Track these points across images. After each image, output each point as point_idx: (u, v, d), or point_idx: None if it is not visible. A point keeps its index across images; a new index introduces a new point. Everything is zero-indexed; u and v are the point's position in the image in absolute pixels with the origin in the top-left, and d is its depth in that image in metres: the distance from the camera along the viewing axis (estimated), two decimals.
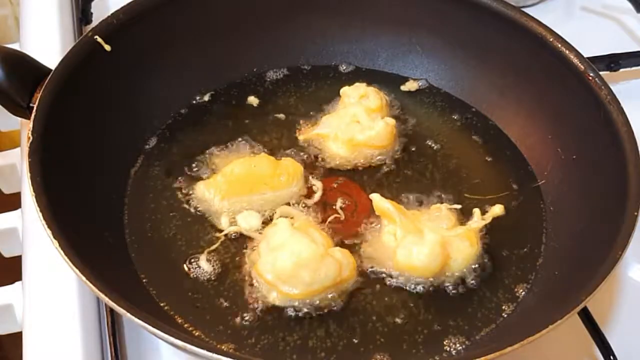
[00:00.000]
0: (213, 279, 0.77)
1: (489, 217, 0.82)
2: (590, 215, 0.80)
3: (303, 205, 0.83)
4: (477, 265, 0.79)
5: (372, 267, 0.79)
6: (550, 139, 0.89)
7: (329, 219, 0.82)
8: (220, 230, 0.81)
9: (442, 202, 0.84)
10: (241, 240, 0.80)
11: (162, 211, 0.83)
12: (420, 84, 0.98)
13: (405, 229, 0.78)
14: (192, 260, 0.79)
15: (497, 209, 0.83)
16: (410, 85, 0.97)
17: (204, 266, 0.78)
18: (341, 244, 0.79)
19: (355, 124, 0.89)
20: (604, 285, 0.67)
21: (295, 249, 0.74)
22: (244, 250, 0.80)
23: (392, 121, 0.90)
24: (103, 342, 0.77)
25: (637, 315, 0.84)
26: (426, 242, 0.76)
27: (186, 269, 0.78)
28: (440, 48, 0.97)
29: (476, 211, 0.83)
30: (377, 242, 0.80)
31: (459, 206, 0.83)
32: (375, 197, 0.80)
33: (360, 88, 0.91)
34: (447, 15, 0.95)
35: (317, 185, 0.85)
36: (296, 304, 0.75)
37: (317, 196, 0.84)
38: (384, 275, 0.78)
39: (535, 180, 0.88)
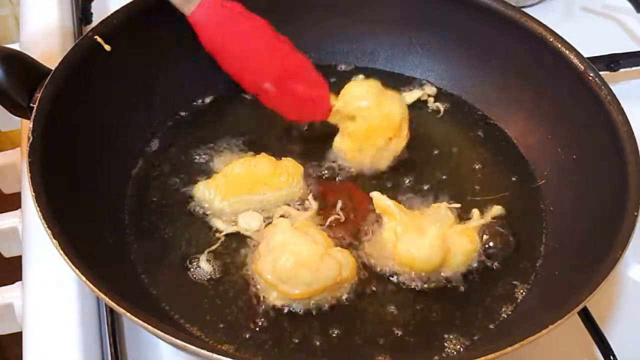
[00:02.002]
0: (213, 279, 0.77)
1: (487, 217, 0.82)
2: (590, 215, 0.80)
3: (304, 205, 0.83)
4: (477, 265, 0.79)
5: (372, 267, 0.79)
6: (550, 139, 0.89)
7: (329, 220, 0.82)
8: (221, 231, 0.81)
9: (441, 202, 0.84)
10: (241, 240, 0.80)
11: (162, 211, 0.83)
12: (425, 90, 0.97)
13: (406, 225, 0.78)
14: (193, 260, 0.79)
15: (496, 210, 0.83)
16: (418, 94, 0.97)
17: (204, 266, 0.78)
18: (341, 244, 0.79)
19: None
20: (604, 285, 0.67)
21: (295, 249, 0.73)
22: (244, 250, 0.80)
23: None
24: (103, 342, 0.77)
25: (637, 315, 0.84)
26: (427, 235, 0.77)
27: (186, 269, 0.78)
28: (440, 48, 0.97)
29: (475, 211, 0.83)
30: (377, 241, 0.80)
31: (458, 205, 0.83)
32: (376, 195, 0.81)
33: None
34: (447, 15, 0.95)
35: (313, 205, 0.83)
36: (296, 303, 0.75)
37: (309, 213, 0.83)
38: (384, 275, 0.78)
39: (535, 180, 0.88)
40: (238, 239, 0.80)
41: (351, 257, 0.77)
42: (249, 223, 0.81)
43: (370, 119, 0.85)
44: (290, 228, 0.76)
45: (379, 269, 0.78)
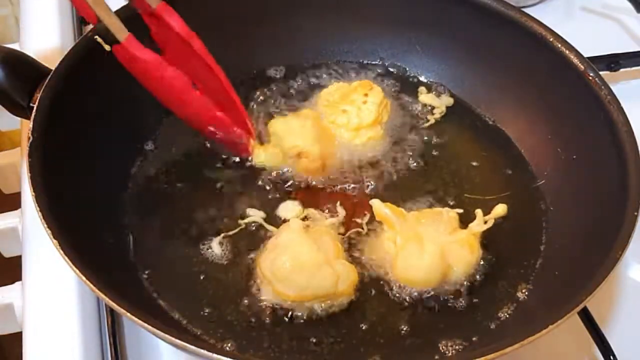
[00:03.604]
0: (214, 276, 0.77)
1: (490, 220, 0.81)
2: (590, 215, 0.80)
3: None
4: (477, 266, 0.79)
5: (371, 271, 0.78)
6: (550, 139, 0.89)
7: (347, 230, 0.81)
8: (236, 220, 0.81)
9: (442, 202, 0.85)
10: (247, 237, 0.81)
11: (162, 211, 0.83)
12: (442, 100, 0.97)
13: (405, 236, 0.77)
14: (193, 259, 0.79)
15: (500, 210, 0.82)
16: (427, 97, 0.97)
17: (214, 252, 0.78)
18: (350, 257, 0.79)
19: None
20: (604, 285, 0.67)
21: (296, 251, 0.73)
22: (245, 249, 0.80)
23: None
24: (103, 342, 0.77)
25: (637, 315, 0.84)
26: (425, 254, 0.75)
27: (186, 268, 0.78)
28: (440, 48, 0.97)
29: (478, 212, 0.82)
30: (377, 246, 0.80)
31: (460, 210, 0.82)
32: (375, 203, 0.80)
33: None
34: (447, 15, 0.95)
35: (341, 213, 0.83)
36: (290, 304, 0.74)
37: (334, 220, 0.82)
38: (383, 278, 0.78)
39: (535, 180, 0.88)
40: (240, 238, 0.81)
41: (354, 273, 0.76)
42: (286, 212, 0.82)
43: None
44: (300, 229, 0.75)
45: (378, 274, 0.78)
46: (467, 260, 0.77)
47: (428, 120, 0.94)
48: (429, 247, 0.76)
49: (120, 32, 0.75)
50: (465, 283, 0.78)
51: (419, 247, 0.76)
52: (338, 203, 0.83)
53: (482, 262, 0.79)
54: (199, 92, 0.81)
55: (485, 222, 0.81)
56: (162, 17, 0.77)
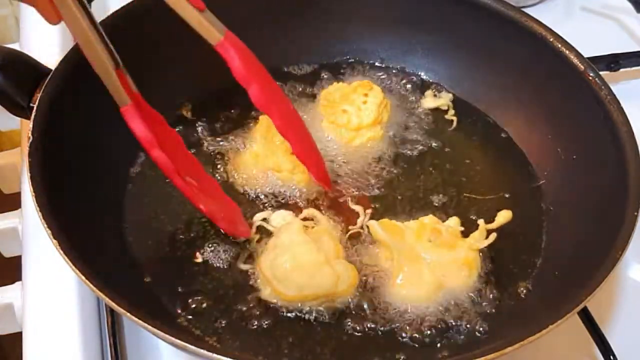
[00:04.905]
0: (214, 276, 0.77)
1: (493, 235, 0.79)
2: (590, 215, 0.80)
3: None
4: (476, 280, 0.78)
5: (370, 280, 0.78)
6: (550, 139, 0.89)
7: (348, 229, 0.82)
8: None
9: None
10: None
11: (161, 211, 0.83)
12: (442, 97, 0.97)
13: (404, 256, 0.77)
14: (193, 257, 0.79)
15: (503, 217, 0.81)
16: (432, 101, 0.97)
17: (214, 251, 0.79)
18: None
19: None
20: (604, 285, 0.67)
21: (296, 251, 0.73)
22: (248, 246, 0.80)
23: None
24: (103, 342, 0.77)
25: (637, 315, 0.84)
26: (423, 285, 0.75)
27: (186, 267, 0.78)
28: (440, 48, 0.97)
29: (481, 224, 0.80)
30: (376, 255, 0.79)
31: (461, 228, 0.81)
32: (373, 225, 0.79)
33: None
34: (447, 16, 0.95)
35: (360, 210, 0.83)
36: (287, 304, 0.75)
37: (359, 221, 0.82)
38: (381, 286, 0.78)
39: (535, 180, 0.88)
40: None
41: (354, 274, 0.76)
42: (277, 221, 0.81)
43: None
44: (300, 230, 0.75)
45: (376, 284, 0.77)
46: (465, 281, 0.77)
47: (452, 123, 0.94)
48: (427, 277, 0.76)
49: (121, 100, 0.73)
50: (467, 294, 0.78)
51: (417, 274, 0.76)
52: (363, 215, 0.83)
53: (482, 262, 0.79)
54: (184, 181, 0.75)
55: (487, 237, 0.79)
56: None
